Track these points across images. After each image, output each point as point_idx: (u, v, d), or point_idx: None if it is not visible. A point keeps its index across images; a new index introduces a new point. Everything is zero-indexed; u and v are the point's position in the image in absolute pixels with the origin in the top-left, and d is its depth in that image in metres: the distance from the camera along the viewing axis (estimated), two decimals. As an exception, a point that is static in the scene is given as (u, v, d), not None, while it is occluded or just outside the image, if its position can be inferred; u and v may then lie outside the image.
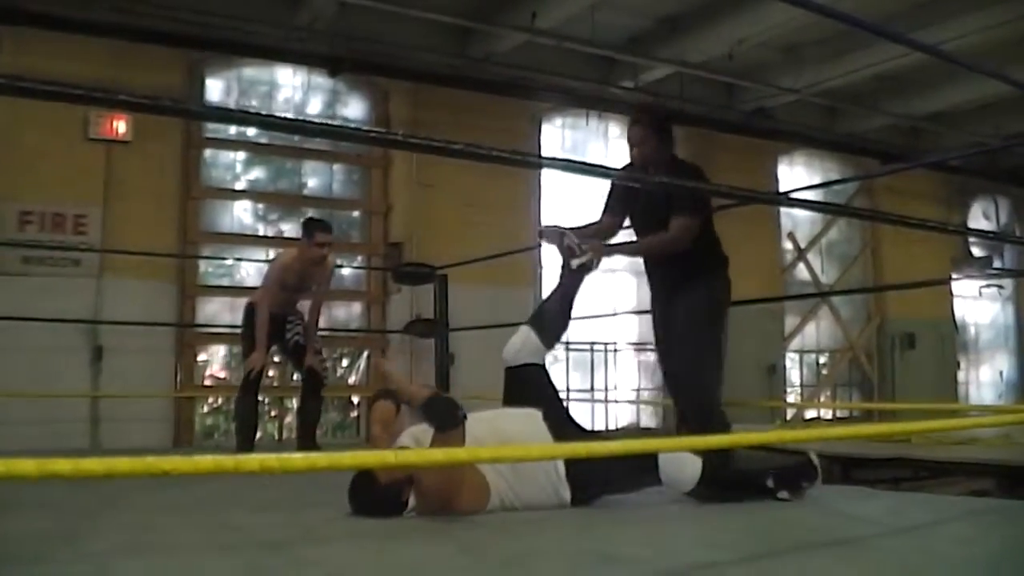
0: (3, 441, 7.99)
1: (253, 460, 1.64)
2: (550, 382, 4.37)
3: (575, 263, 4.56)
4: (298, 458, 1.72)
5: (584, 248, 4.52)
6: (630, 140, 4.80)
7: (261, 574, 2.64)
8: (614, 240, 4.96)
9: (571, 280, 4.60)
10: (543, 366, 4.37)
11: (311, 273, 6.61)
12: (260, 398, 6.62)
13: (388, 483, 3.59)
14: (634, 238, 4.99)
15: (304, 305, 6.96)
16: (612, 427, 12.36)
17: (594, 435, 4.13)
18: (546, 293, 4.81)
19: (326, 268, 6.70)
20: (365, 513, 3.64)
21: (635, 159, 4.82)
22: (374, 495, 3.62)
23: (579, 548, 3.05)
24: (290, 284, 6.57)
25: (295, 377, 10.26)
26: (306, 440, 6.63)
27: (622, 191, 4.95)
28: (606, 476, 3.82)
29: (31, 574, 2.58)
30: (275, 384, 9.94)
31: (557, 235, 4.60)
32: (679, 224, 4.59)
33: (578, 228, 4.82)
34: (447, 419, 3.56)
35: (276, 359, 8.24)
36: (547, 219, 11.55)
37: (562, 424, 4.01)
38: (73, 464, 1.46)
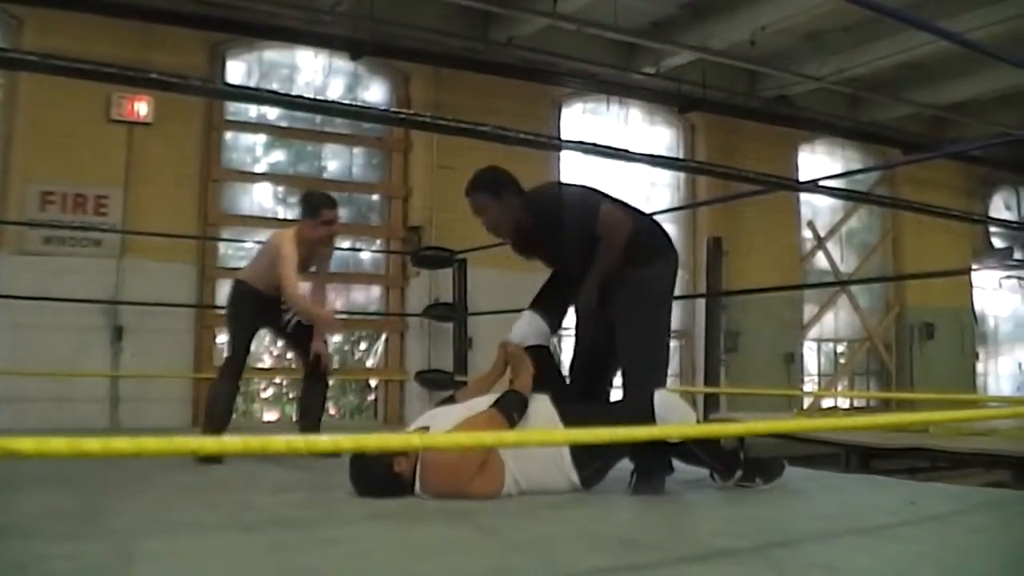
0: (24, 419, 8.08)
1: (279, 441, 1.65)
2: (556, 363, 4.42)
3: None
4: (324, 440, 1.73)
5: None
6: (474, 212, 4.59)
7: (285, 553, 2.66)
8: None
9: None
10: (548, 348, 4.41)
11: (313, 254, 5.85)
12: (241, 384, 5.85)
13: (378, 458, 3.64)
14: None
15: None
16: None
17: (598, 411, 4.14)
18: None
19: (330, 248, 6.03)
20: (366, 492, 3.68)
21: (489, 228, 4.60)
22: (367, 470, 3.68)
23: (598, 532, 3.07)
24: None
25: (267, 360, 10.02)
26: (311, 425, 5.97)
27: (529, 256, 4.69)
28: (608, 450, 3.86)
29: (57, 552, 2.60)
30: (293, 366, 9.95)
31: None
32: (603, 225, 4.28)
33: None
34: (509, 409, 3.84)
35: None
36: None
37: (569, 405, 4.04)
38: (102, 443, 1.47)
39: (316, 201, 5.76)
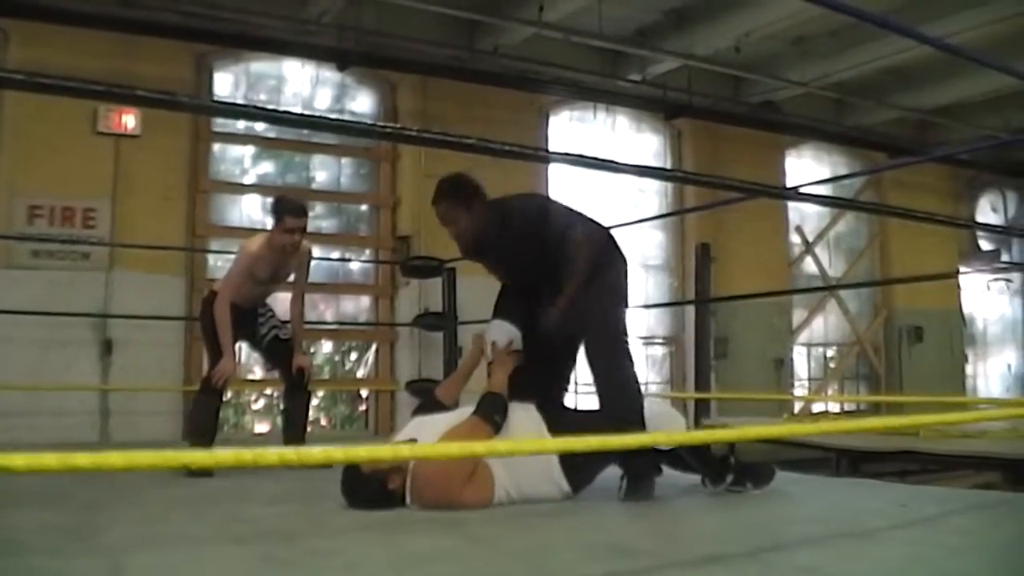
0: (13, 434, 8.04)
1: (272, 454, 1.66)
2: (534, 368, 4.40)
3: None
4: (316, 452, 1.74)
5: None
6: (442, 221, 4.59)
7: (276, 566, 2.66)
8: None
9: None
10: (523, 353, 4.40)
11: (285, 262, 5.68)
12: (224, 397, 5.66)
13: (371, 472, 3.64)
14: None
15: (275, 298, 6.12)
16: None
17: (584, 418, 4.16)
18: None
19: (302, 255, 5.80)
20: (358, 506, 3.68)
21: (456, 238, 4.60)
22: (360, 485, 3.68)
23: (590, 540, 3.07)
24: (261, 276, 5.64)
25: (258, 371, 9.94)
26: (295, 439, 5.73)
27: (490, 267, 4.77)
28: (597, 456, 3.87)
29: (48, 568, 2.60)
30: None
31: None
32: (575, 245, 4.33)
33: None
34: (490, 413, 3.87)
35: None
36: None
37: (555, 413, 4.04)
38: (94, 458, 1.48)
39: (281, 208, 5.59)
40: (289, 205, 5.63)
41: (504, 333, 4.36)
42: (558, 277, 4.35)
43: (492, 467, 3.73)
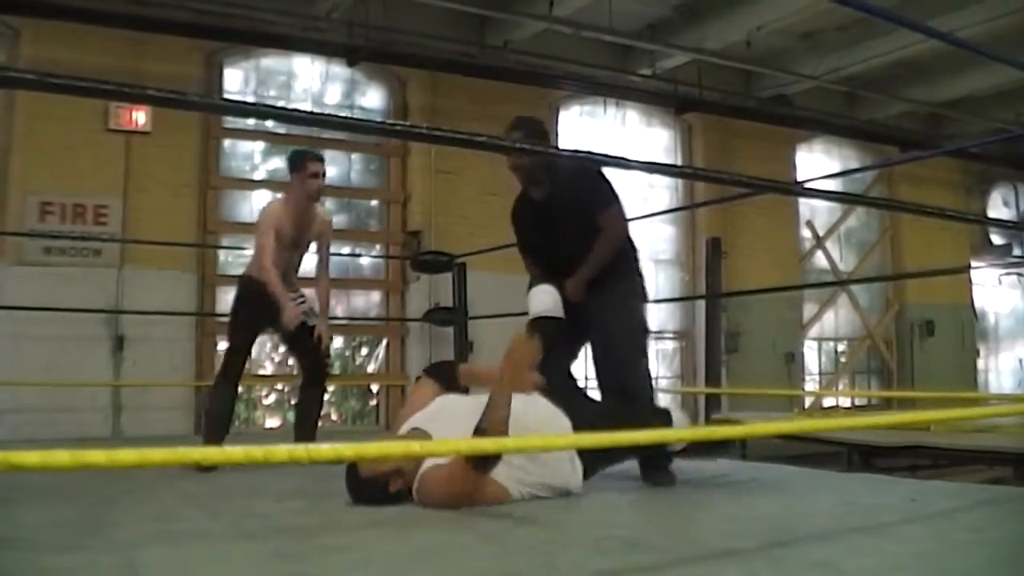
0: (26, 430, 8.10)
1: (282, 451, 1.66)
2: (566, 341, 4.39)
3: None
4: (326, 449, 1.75)
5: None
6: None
7: (287, 561, 2.67)
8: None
9: None
10: (563, 320, 4.34)
11: (307, 222, 5.58)
12: (240, 388, 5.63)
13: (370, 476, 3.60)
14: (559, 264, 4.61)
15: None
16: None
17: (600, 407, 4.13)
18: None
19: (323, 224, 5.74)
20: (363, 504, 3.67)
21: (517, 175, 4.71)
22: (361, 488, 3.65)
23: (600, 535, 3.06)
24: (286, 238, 5.49)
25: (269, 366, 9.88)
26: (306, 434, 5.58)
27: (527, 228, 4.84)
28: (614, 454, 3.88)
29: (60, 564, 2.61)
30: (294, 372, 9.95)
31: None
32: (609, 216, 4.41)
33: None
34: (484, 463, 3.61)
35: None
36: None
37: (574, 403, 4.02)
38: (107, 455, 1.48)
39: (300, 156, 5.55)
40: (307, 152, 5.65)
41: (544, 303, 4.30)
42: (588, 247, 4.39)
43: (502, 471, 3.66)
